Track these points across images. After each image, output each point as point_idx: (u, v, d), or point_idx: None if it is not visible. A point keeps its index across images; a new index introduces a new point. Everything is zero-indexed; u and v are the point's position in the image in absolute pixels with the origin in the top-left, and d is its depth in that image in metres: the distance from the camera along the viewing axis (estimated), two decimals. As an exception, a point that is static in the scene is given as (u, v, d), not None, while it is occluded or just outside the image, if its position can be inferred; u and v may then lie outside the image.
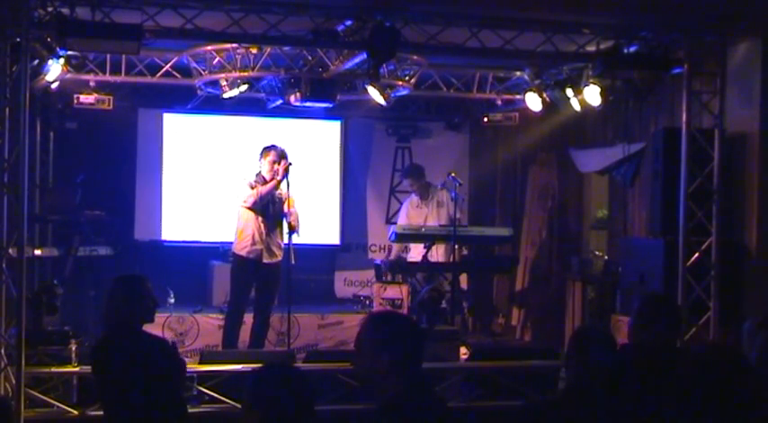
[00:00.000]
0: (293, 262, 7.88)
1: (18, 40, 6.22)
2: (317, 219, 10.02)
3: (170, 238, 10.34)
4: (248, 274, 8.06)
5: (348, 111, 10.37)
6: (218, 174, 10.25)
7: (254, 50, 8.07)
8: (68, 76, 8.13)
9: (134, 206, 10.30)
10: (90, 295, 8.65)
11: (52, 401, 6.43)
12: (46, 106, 9.25)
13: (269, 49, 8.05)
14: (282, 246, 8.04)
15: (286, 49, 8.04)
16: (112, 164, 10.10)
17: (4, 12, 6.19)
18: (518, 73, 8.81)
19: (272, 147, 8.00)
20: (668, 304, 4.41)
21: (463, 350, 8.05)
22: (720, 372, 3.00)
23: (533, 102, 8.62)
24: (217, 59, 8.32)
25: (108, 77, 8.62)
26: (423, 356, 3.04)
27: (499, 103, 9.60)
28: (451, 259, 9.21)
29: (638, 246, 8.16)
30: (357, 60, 7.67)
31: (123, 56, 8.28)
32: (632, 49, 7.22)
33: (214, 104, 9.56)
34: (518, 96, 9.15)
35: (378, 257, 10.25)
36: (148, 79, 8.71)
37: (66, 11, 6.28)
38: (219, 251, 9.69)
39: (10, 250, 6.29)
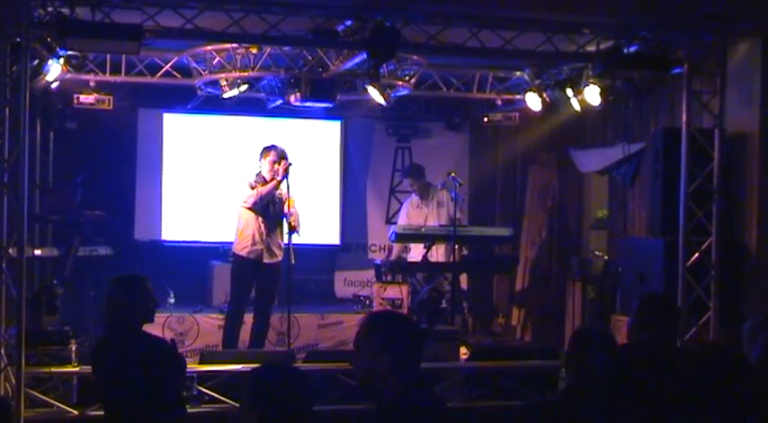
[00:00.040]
0: (293, 262, 7.87)
1: (18, 40, 6.23)
2: (316, 219, 10.01)
3: (170, 238, 10.34)
4: (248, 274, 8.06)
5: (348, 111, 10.36)
6: (218, 174, 10.25)
7: (254, 50, 8.07)
8: (68, 76, 8.14)
9: (134, 206, 10.29)
10: (90, 295, 8.65)
11: (52, 401, 6.43)
12: (46, 106, 9.25)
13: (269, 49, 8.05)
14: (283, 246, 8.04)
15: (286, 49, 8.04)
16: (112, 164, 10.09)
17: (4, 12, 6.19)
18: (518, 73, 8.80)
19: (273, 147, 7.99)
20: (667, 304, 4.42)
21: (463, 350, 8.05)
22: (720, 372, 3.00)
23: (533, 102, 8.62)
24: (217, 59, 8.32)
25: (108, 77, 8.62)
26: (422, 356, 3.04)
27: (499, 103, 9.60)
28: (451, 259, 9.21)
29: (638, 246, 8.16)
30: (357, 60, 7.67)
31: (123, 56, 8.28)
32: (632, 49, 7.21)
33: (214, 104, 9.55)
34: (518, 96, 9.15)
35: (378, 257, 10.25)
36: (148, 79, 8.71)
37: (66, 11, 6.28)
38: (219, 251, 9.69)
39: (10, 250, 6.29)
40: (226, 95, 8.62)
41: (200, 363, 6.86)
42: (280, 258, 8.03)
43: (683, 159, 7.19)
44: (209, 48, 8.16)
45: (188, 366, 5.63)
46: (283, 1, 6.68)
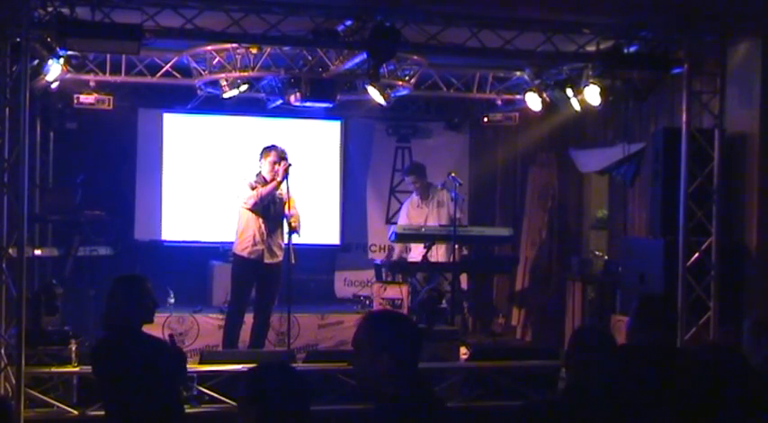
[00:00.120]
0: (293, 262, 7.87)
1: (18, 40, 6.23)
2: (317, 219, 10.01)
3: (170, 238, 10.34)
4: (249, 274, 8.06)
5: (348, 111, 10.37)
6: (218, 174, 10.25)
7: (254, 50, 8.07)
8: (68, 76, 8.12)
9: (134, 206, 10.29)
10: (90, 295, 8.64)
11: (52, 401, 6.43)
12: (46, 106, 9.25)
13: (269, 49, 8.04)
14: (283, 246, 8.04)
15: (286, 49, 8.04)
16: (112, 164, 10.09)
17: (4, 12, 6.19)
18: (518, 73, 8.80)
19: (273, 147, 7.99)
20: (666, 305, 4.42)
21: (463, 350, 8.04)
22: (720, 372, 3.00)
23: (533, 102, 8.62)
24: (217, 59, 8.32)
25: (108, 77, 8.62)
26: (420, 356, 3.03)
27: (499, 103, 9.60)
28: (452, 259, 9.21)
29: (638, 246, 8.16)
30: (357, 60, 7.67)
31: (123, 56, 8.27)
32: (632, 49, 7.22)
33: (214, 104, 9.56)
34: (518, 96, 9.15)
35: (378, 257, 10.26)
36: (148, 79, 8.71)
37: (66, 11, 6.28)
38: (219, 251, 9.69)
39: (10, 250, 6.29)
40: (226, 95, 8.62)
41: (201, 363, 6.86)
42: (280, 258, 8.03)
43: (683, 159, 7.19)
44: (209, 48, 8.16)
45: (188, 366, 5.65)
46: (283, 1, 6.69)
